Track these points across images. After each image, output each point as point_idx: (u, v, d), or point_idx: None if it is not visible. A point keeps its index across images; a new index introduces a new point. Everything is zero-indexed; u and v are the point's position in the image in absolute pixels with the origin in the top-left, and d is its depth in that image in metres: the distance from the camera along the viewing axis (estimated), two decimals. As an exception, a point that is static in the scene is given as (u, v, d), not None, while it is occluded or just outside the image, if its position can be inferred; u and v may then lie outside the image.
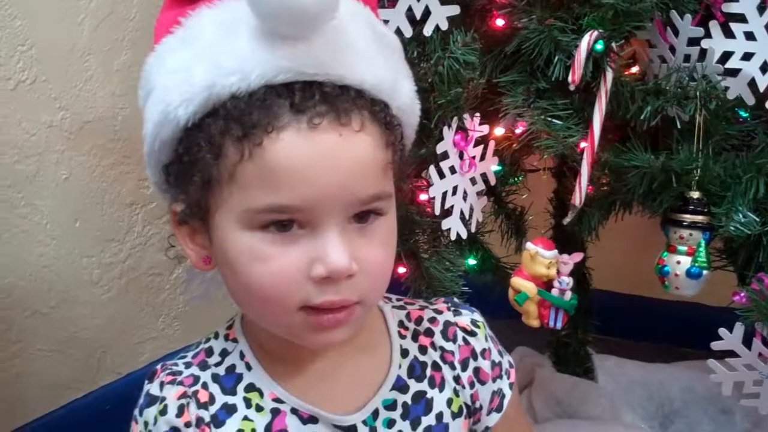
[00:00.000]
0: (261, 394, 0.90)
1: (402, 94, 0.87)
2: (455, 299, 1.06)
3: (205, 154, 0.80)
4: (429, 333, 0.99)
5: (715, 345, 1.29)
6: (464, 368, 0.98)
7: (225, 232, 0.82)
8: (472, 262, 1.59)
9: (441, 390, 0.96)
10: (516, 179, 1.58)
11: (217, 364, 0.93)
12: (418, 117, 0.93)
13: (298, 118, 0.77)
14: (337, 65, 0.79)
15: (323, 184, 0.77)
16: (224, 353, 0.94)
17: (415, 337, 0.98)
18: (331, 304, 0.80)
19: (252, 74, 0.77)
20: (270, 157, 0.77)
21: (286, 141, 0.77)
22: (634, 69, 1.46)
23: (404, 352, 0.96)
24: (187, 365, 0.94)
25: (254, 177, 0.78)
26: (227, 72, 0.78)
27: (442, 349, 0.98)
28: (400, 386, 0.94)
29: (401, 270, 1.43)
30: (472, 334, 1.00)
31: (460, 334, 0.99)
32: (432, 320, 1.00)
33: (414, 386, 0.95)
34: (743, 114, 1.37)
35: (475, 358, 0.99)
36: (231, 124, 0.78)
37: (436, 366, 0.97)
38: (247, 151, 0.77)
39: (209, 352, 0.95)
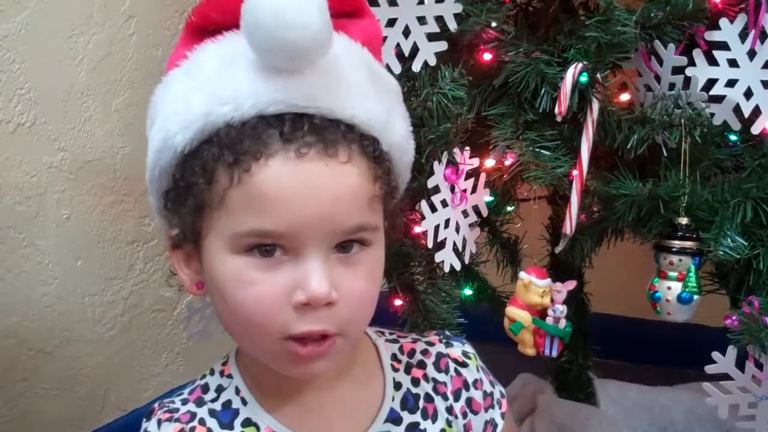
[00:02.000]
0: (257, 429, 0.91)
1: (394, 132, 0.89)
2: (446, 332, 1.08)
3: (198, 179, 0.83)
4: (421, 365, 1.00)
5: (709, 368, 1.30)
6: (456, 399, 0.99)
7: (214, 256, 0.84)
8: (468, 292, 1.59)
9: (434, 421, 0.97)
10: (508, 209, 1.59)
11: (213, 400, 0.94)
12: (412, 156, 0.95)
13: (286, 147, 0.79)
14: (327, 99, 0.81)
15: (307, 212, 0.79)
16: (220, 389, 0.95)
17: (407, 369, 0.99)
18: (309, 333, 0.82)
19: (246, 104, 0.80)
20: (257, 182, 0.79)
21: (273, 168, 0.79)
22: (625, 97, 1.47)
23: (397, 385, 0.98)
24: (184, 402, 0.95)
25: (242, 202, 0.80)
26: (222, 101, 0.81)
27: (434, 380, 0.99)
28: (394, 418, 0.95)
29: (397, 303, 1.44)
30: (464, 365, 1.01)
31: (452, 366, 1.01)
32: (424, 352, 1.01)
33: (407, 418, 0.96)
34: (733, 138, 1.38)
35: (467, 389, 1.00)
36: (223, 150, 0.81)
37: (428, 398, 0.98)
38: (237, 176, 0.80)
39: (205, 388, 0.96)
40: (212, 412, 0.93)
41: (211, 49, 0.86)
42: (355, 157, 0.82)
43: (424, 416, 0.97)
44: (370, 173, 0.84)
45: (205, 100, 0.82)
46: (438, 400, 0.98)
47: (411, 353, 1.01)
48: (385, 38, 1.32)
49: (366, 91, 0.86)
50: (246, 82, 0.81)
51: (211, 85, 0.83)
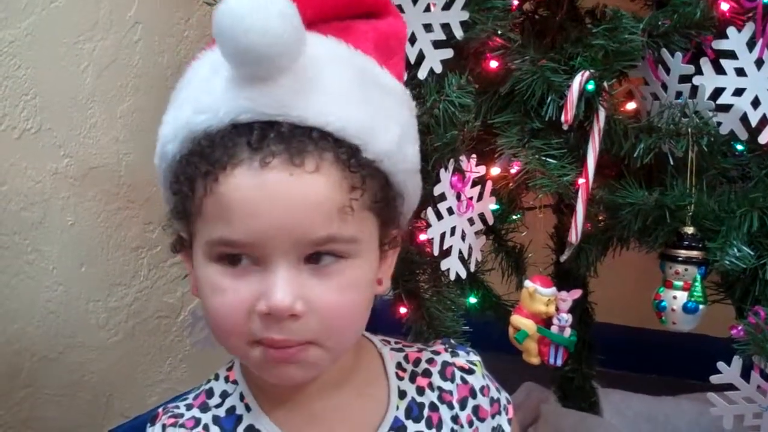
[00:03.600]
0: None
1: (382, 139, 0.85)
2: (452, 341, 1.07)
3: (183, 187, 0.84)
4: (427, 374, 1.00)
5: (714, 378, 1.29)
6: (462, 407, 0.99)
7: (197, 263, 0.85)
8: (473, 300, 1.59)
9: (439, 430, 0.97)
10: (514, 218, 1.59)
11: (218, 406, 0.94)
12: (414, 164, 0.92)
13: (252, 157, 0.79)
14: (298, 106, 0.80)
15: (269, 222, 0.79)
16: (224, 395, 0.95)
17: (412, 378, 0.99)
18: (272, 342, 0.81)
19: (220, 113, 0.81)
20: (223, 192, 0.80)
21: (237, 178, 0.79)
22: (632, 105, 1.47)
23: (402, 394, 0.97)
24: (189, 407, 0.95)
25: (213, 211, 0.81)
26: (200, 110, 0.82)
27: (440, 389, 0.99)
28: (398, 427, 0.95)
29: (402, 310, 1.44)
30: (470, 372, 1.01)
31: (458, 374, 1.00)
32: (430, 361, 1.01)
33: (412, 427, 0.95)
34: (740, 148, 1.38)
35: (474, 396, 1.00)
36: (200, 160, 0.82)
37: (433, 406, 0.98)
38: (209, 186, 0.80)
39: (210, 393, 0.96)
40: (216, 419, 0.93)
41: (206, 57, 0.87)
42: (326, 167, 0.80)
43: (429, 425, 0.96)
44: (343, 183, 0.81)
45: (187, 109, 0.84)
46: (443, 409, 0.98)
47: (416, 362, 1.01)
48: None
49: (349, 96, 0.84)
50: (222, 91, 0.81)
51: (195, 94, 0.85)
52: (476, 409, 0.99)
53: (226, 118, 0.81)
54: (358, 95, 0.85)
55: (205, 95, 0.83)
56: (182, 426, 0.92)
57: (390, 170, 0.87)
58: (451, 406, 0.98)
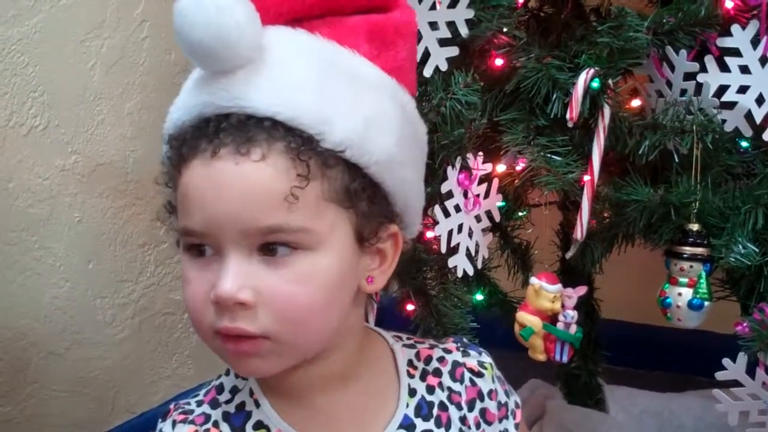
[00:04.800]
0: (268, 431, 0.92)
1: (340, 127, 0.83)
2: (465, 339, 1.07)
3: (167, 183, 0.88)
4: (437, 373, 1.00)
5: (719, 375, 1.30)
6: (470, 409, 0.99)
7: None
8: (479, 297, 1.59)
9: (447, 430, 0.96)
10: (520, 214, 1.59)
11: (228, 402, 0.94)
12: (387, 156, 0.87)
13: (205, 148, 0.80)
14: (250, 97, 0.81)
15: (217, 211, 0.80)
16: (234, 390, 0.95)
17: (423, 376, 0.99)
18: (225, 330, 0.82)
19: (188, 108, 0.84)
20: (182, 183, 0.83)
21: (191, 169, 0.81)
22: (637, 103, 1.47)
23: (412, 392, 0.97)
24: (199, 404, 0.95)
25: (178, 203, 0.84)
26: (176, 108, 0.86)
27: (449, 389, 0.99)
28: (407, 425, 0.95)
29: (410, 307, 1.45)
30: (480, 375, 1.00)
31: (467, 375, 1.00)
32: (441, 360, 1.01)
33: (421, 425, 0.95)
34: (744, 145, 1.38)
35: (482, 399, 1.00)
36: (173, 156, 0.85)
37: (443, 406, 0.98)
38: (176, 179, 0.84)
39: (220, 389, 0.96)
40: (226, 415, 0.93)
41: None
42: (273, 156, 0.80)
43: (438, 424, 0.96)
44: (291, 172, 0.80)
45: (171, 108, 0.88)
46: (452, 409, 0.98)
47: (427, 360, 1.01)
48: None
49: (303, 86, 0.83)
50: (192, 87, 0.85)
51: (181, 90, 0.88)
52: (483, 412, 0.99)
53: (194, 112, 0.83)
54: (315, 85, 0.84)
55: (183, 92, 0.86)
56: (192, 422, 0.92)
57: (358, 161, 0.85)
58: (459, 407, 0.98)
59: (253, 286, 0.80)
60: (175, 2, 0.79)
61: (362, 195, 0.86)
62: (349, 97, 0.86)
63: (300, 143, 0.81)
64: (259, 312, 0.81)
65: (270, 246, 0.81)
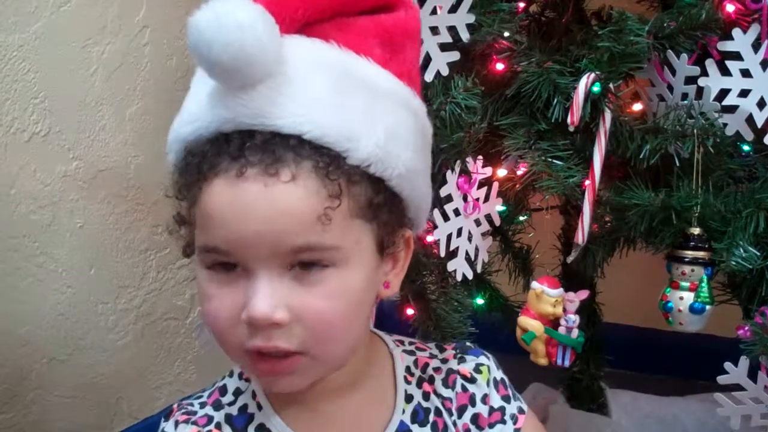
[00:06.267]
0: None
1: (365, 143, 0.83)
2: (466, 343, 1.07)
3: (179, 195, 0.86)
4: (432, 380, 1.00)
5: (721, 379, 1.30)
6: (460, 415, 0.99)
7: (197, 268, 0.86)
8: (480, 301, 1.59)
9: None
10: (521, 219, 1.59)
11: (231, 404, 0.95)
12: (409, 166, 0.88)
13: (230, 167, 0.79)
14: (274, 115, 0.79)
15: (243, 231, 0.79)
16: (237, 392, 0.96)
17: (419, 383, 0.99)
18: (259, 349, 0.81)
19: (205, 122, 0.82)
20: (203, 201, 0.81)
21: (215, 188, 0.80)
22: (638, 107, 1.47)
23: (409, 398, 0.98)
24: (202, 405, 0.96)
25: (198, 219, 0.83)
26: (188, 120, 0.84)
27: (441, 396, 0.99)
28: (404, 431, 0.95)
29: (409, 312, 1.45)
30: (472, 380, 1.00)
31: (459, 382, 1.00)
32: (436, 369, 1.01)
33: (417, 431, 0.96)
34: (746, 148, 1.38)
35: (474, 405, 0.99)
36: (189, 170, 0.83)
37: (438, 412, 0.98)
38: (195, 196, 0.82)
39: (223, 390, 0.97)
40: (228, 417, 0.94)
41: None
42: (303, 175, 0.79)
43: (434, 430, 0.97)
44: (322, 191, 0.80)
45: (178, 119, 0.86)
46: (446, 416, 0.98)
47: (424, 368, 1.01)
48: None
49: (327, 102, 0.82)
50: (206, 100, 0.82)
51: (187, 104, 0.86)
52: (475, 418, 0.99)
53: (211, 127, 0.81)
54: (337, 101, 0.83)
55: (193, 105, 0.84)
56: (195, 423, 0.93)
57: (381, 175, 0.85)
58: (450, 413, 0.99)
59: (287, 305, 0.80)
60: (191, 18, 0.77)
61: (384, 207, 0.86)
62: (368, 109, 0.85)
63: (328, 162, 0.80)
64: (294, 329, 0.81)
65: (302, 264, 0.81)
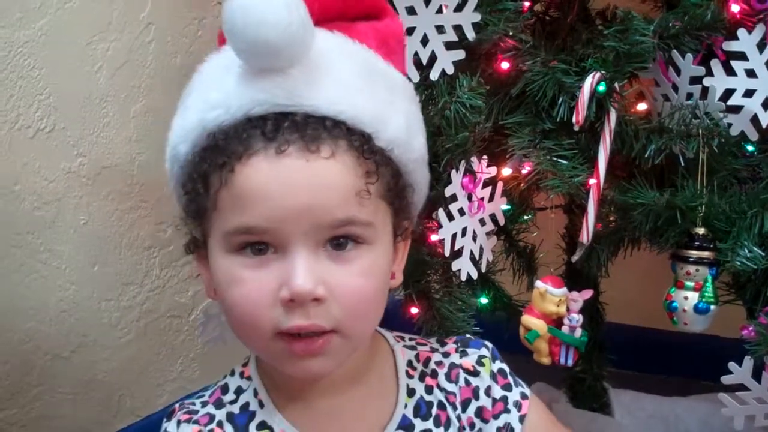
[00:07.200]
0: (272, 431, 0.93)
1: (391, 127, 0.88)
2: (467, 336, 1.08)
3: (197, 185, 0.86)
4: (434, 374, 1.00)
5: (725, 379, 1.29)
6: (464, 409, 0.99)
7: (214, 257, 0.86)
8: (484, 301, 1.59)
9: (446, 429, 0.97)
10: (526, 218, 1.59)
11: (232, 402, 0.96)
12: (420, 154, 0.94)
13: (267, 146, 0.81)
14: (311, 96, 0.83)
15: (286, 206, 0.80)
16: (239, 391, 0.97)
17: (422, 377, 1.00)
18: (299, 329, 0.82)
19: (233, 107, 0.83)
20: (239, 181, 0.81)
21: (253, 166, 0.81)
22: (643, 107, 1.47)
23: (411, 392, 0.98)
24: (204, 404, 0.96)
25: (228, 201, 0.83)
26: (212, 106, 0.85)
27: (444, 390, 1.00)
28: (406, 425, 0.96)
29: (414, 310, 1.44)
30: (475, 374, 1.01)
31: (462, 376, 1.00)
32: (439, 363, 1.01)
33: (420, 425, 0.96)
34: (750, 149, 1.38)
35: (477, 398, 1.00)
36: (215, 154, 0.83)
37: (441, 405, 0.99)
38: (224, 177, 0.82)
39: (225, 389, 0.97)
40: (230, 416, 0.94)
41: (213, 59, 0.90)
42: (341, 153, 0.83)
43: (437, 424, 0.97)
44: (358, 169, 0.84)
45: (197, 109, 0.86)
46: (450, 409, 0.99)
47: (426, 362, 1.02)
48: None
49: (358, 87, 0.86)
50: (234, 86, 0.84)
51: (203, 93, 0.87)
52: (480, 411, 1.00)
53: (239, 112, 0.83)
54: (366, 86, 0.87)
55: (216, 92, 0.85)
56: (196, 422, 0.94)
57: (400, 159, 0.89)
58: (455, 407, 0.99)
59: (324, 281, 0.82)
60: (230, 1, 0.79)
61: (401, 193, 0.91)
62: (390, 96, 0.90)
63: (361, 141, 0.84)
64: (331, 307, 0.83)
65: (338, 240, 0.83)
